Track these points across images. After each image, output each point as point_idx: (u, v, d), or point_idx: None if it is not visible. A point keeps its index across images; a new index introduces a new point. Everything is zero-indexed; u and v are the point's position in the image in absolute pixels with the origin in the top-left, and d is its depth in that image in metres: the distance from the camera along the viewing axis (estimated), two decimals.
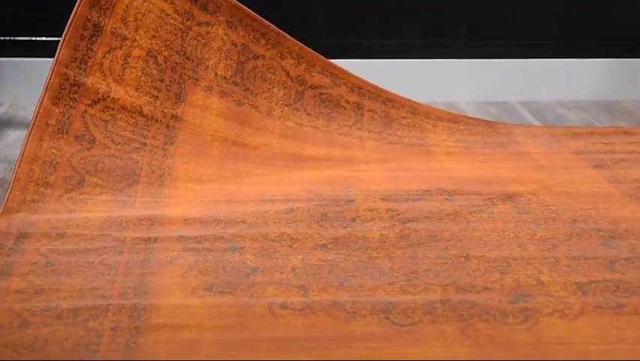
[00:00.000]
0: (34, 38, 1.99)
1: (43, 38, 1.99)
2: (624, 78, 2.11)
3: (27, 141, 1.37)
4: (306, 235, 1.23)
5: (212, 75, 1.59)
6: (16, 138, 1.73)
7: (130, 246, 1.18)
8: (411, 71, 2.05)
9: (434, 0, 2.05)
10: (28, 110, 1.91)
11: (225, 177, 1.47)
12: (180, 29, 1.58)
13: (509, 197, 1.38)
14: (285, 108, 1.64)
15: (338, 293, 1.05)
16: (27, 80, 1.97)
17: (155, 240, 1.20)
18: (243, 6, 1.64)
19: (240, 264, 1.13)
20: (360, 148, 1.62)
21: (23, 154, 1.36)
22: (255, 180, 1.47)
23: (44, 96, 1.42)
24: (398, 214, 1.31)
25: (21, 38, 2.00)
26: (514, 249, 1.19)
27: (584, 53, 2.10)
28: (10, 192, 1.31)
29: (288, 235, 1.23)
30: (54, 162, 1.38)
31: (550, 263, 1.14)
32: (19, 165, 1.35)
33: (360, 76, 1.74)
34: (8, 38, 1.99)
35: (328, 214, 1.31)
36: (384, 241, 1.21)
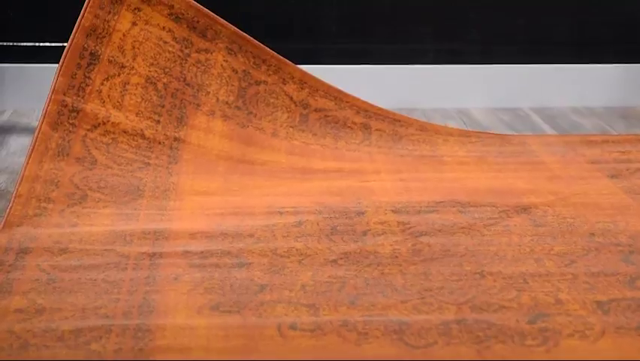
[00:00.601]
0: (36, 44, 1.96)
1: (46, 44, 1.95)
2: (639, 84, 2.07)
3: (27, 163, 1.36)
4: (315, 249, 1.20)
5: (214, 100, 1.58)
6: (18, 146, 1.69)
7: (134, 262, 1.15)
8: (422, 77, 2.02)
9: (446, 6, 2.02)
10: (31, 117, 1.88)
11: (232, 190, 1.43)
12: (179, 56, 1.58)
13: (524, 209, 1.35)
14: (291, 129, 1.62)
15: (349, 313, 1.02)
16: (30, 86, 1.94)
17: (160, 255, 1.17)
18: (243, 33, 1.64)
19: (248, 281, 1.10)
20: (370, 161, 1.58)
21: (23, 175, 1.34)
22: (262, 191, 1.43)
23: (42, 122, 1.42)
24: (410, 228, 1.27)
25: (23, 44, 1.97)
26: (531, 264, 1.15)
27: (597, 58, 2.07)
28: (11, 207, 1.29)
29: (297, 249, 1.19)
30: (55, 181, 1.35)
31: (568, 280, 1.11)
32: (19, 184, 1.33)
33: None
34: (10, 44, 1.96)
35: (338, 228, 1.27)
36: (397, 257, 1.17)
